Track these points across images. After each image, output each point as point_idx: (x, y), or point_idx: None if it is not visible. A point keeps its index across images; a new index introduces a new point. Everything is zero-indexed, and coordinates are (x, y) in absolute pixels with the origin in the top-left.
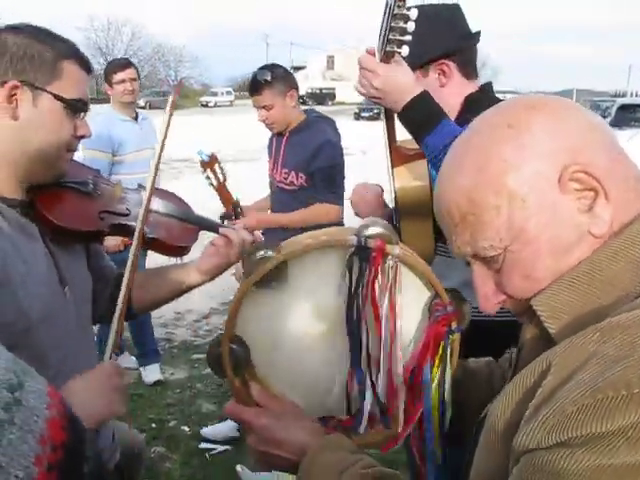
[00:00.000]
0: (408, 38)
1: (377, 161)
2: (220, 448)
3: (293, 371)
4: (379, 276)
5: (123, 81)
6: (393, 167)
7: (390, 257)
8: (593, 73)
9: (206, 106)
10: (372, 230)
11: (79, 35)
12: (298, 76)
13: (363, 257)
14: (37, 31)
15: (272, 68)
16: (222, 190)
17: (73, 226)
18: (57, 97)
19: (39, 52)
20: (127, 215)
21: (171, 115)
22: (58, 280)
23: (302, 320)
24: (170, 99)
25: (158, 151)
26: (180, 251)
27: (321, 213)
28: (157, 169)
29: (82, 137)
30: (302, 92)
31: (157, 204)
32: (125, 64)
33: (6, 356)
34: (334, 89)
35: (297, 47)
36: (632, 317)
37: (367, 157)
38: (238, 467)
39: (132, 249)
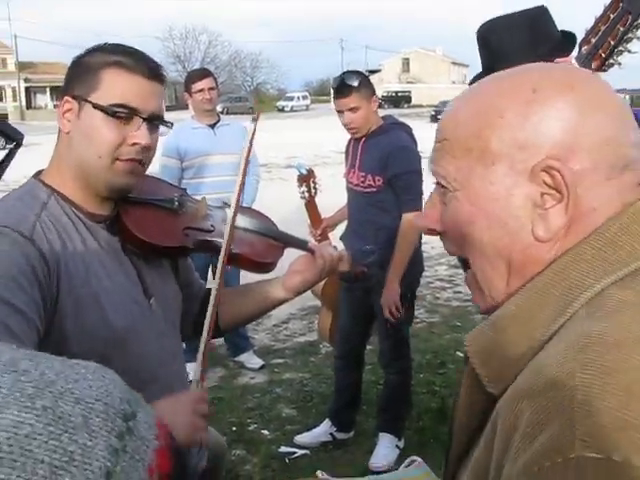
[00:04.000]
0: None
1: None
2: (300, 452)
3: None
4: None
5: (202, 90)
6: None
7: None
8: None
9: (282, 110)
10: None
11: (158, 44)
12: (373, 79)
13: None
14: (105, 47)
15: (358, 73)
16: (312, 206)
17: (158, 242)
18: (95, 105)
19: (87, 64)
20: (211, 231)
21: (251, 145)
22: (143, 292)
23: None
24: (251, 128)
25: (242, 170)
26: (265, 267)
27: (410, 225)
28: (241, 189)
29: (136, 145)
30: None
31: (242, 220)
32: (203, 74)
33: (121, 386)
34: (410, 92)
35: (372, 50)
36: (537, 382)
37: None
38: (318, 473)
39: (219, 265)
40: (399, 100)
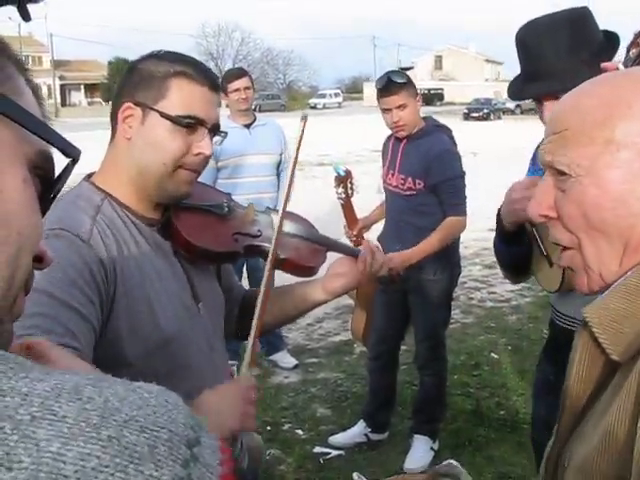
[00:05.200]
0: None
1: (488, 162)
2: (334, 453)
3: None
4: None
5: (237, 90)
6: None
7: None
8: None
9: (315, 108)
10: None
11: (191, 42)
12: None
13: None
14: (164, 55)
15: (402, 72)
16: (349, 207)
17: (211, 247)
18: (163, 115)
19: (151, 72)
20: (259, 236)
21: (299, 149)
22: (192, 296)
23: None
24: (299, 132)
25: (289, 176)
26: (310, 271)
27: (454, 228)
28: (289, 194)
29: (200, 155)
30: None
31: (287, 225)
32: (240, 73)
33: (185, 411)
34: (442, 89)
35: (404, 48)
36: None
37: (478, 158)
38: (355, 475)
39: (266, 269)
40: (432, 98)
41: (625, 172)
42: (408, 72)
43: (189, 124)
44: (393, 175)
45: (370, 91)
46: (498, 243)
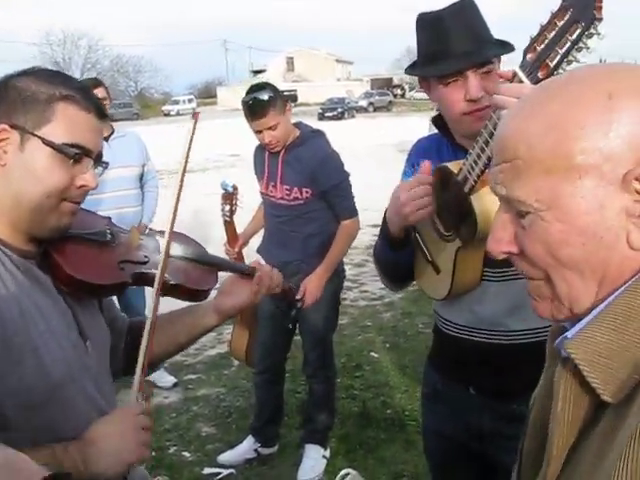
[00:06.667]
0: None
1: (348, 161)
2: (225, 472)
3: None
4: None
5: None
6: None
7: None
8: None
9: (168, 115)
10: None
11: (34, 50)
12: (259, 79)
13: None
14: (42, 73)
15: (266, 87)
16: (232, 225)
17: (95, 280)
18: (45, 142)
19: (33, 93)
20: (146, 263)
21: (187, 160)
22: (78, 334)
23: None
24: (189, 134)
25: (176, 194)
26: (202, 295)
27: (351, 230)
28: (175, 214)
29: (84, 188)
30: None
31: (174, 248)
32: (95, 84)
33: None
34: (296, 90)
35: (255, 50)
36: None
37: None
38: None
39: (153, 297)
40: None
41: (590, 201)
42: (261, 75)
43: (76, 154)
44: (275, 187)
45: (224, 95)
46: (384, 250)
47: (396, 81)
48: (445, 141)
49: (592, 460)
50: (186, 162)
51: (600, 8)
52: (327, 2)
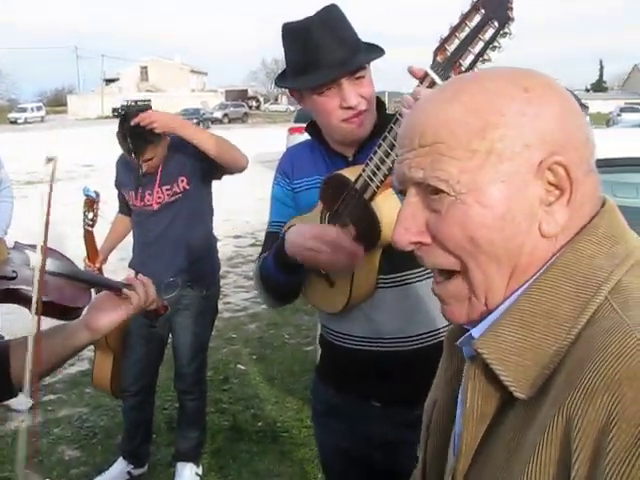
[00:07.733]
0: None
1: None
2: None
3: None
4: None
5: None
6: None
7: None
8: None
9: (15, 123)
10: None
11: None
12: (112, 88)
13: None
14: None
15: (139, 106)
16: (92, 237)
17: None
18: None
19: None
20: (14, 278)
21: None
22: None
23: None
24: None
25: (45, 210)
26: (76, 313)
27: (237, 153)
28: (47, 227)
29: None
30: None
31: (47, 264)
32: None
33: None
34: (150, 100)
35: (109, 59)
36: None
37: None
38: None
39: (33, 316)
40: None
41: (509, 186)
42: (114, 84)
43: None
44: (150, 194)
45: (75, 104)
46: (276, 276)
47: (251, 93)
48: (320, 148)
49: (504, 454)
50: (49, 204)
51: (512, 9)
52: (182, 10)
